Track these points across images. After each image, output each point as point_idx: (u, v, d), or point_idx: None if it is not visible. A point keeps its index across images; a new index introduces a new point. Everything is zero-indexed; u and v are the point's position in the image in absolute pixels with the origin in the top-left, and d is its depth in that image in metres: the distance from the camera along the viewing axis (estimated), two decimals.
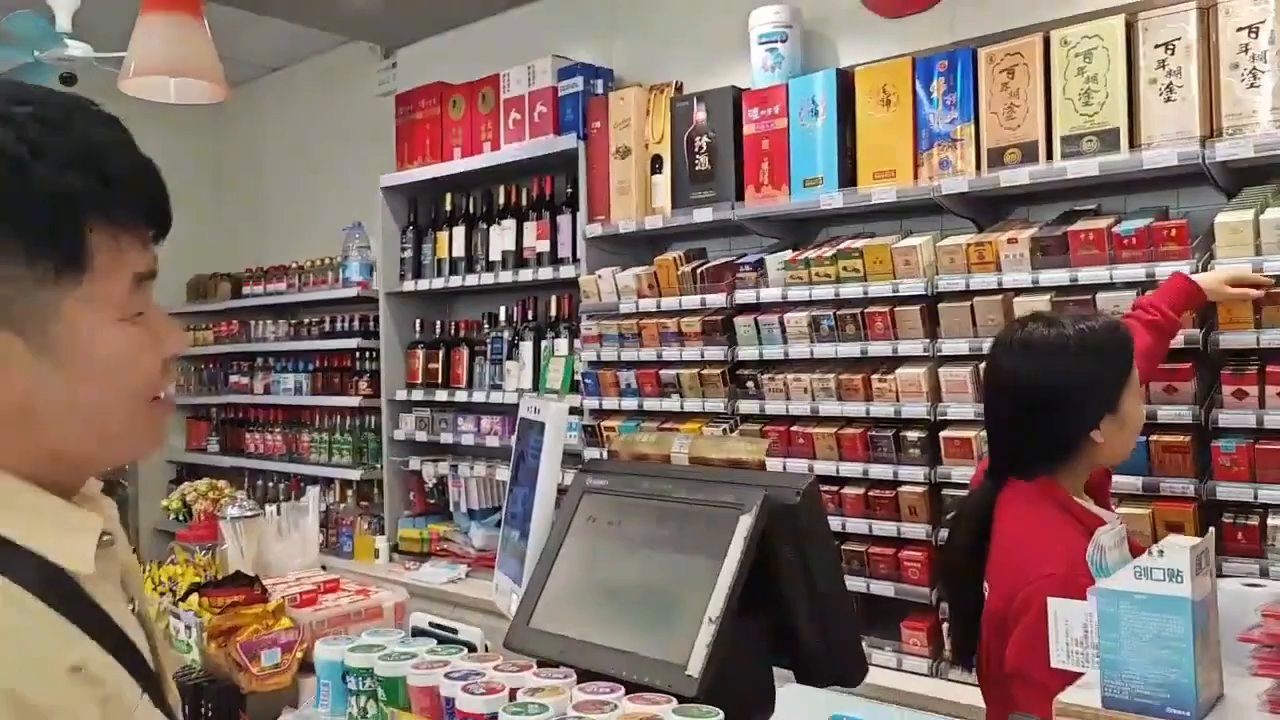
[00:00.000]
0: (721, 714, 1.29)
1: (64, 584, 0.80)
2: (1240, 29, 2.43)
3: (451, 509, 4.50)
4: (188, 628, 2.29)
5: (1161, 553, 0.89)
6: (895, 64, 2.98)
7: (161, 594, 2.56)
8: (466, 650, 1.58)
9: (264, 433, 5.55)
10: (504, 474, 4.17)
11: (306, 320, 5.32)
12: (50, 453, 0.82)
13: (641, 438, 1.81)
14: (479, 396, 4.22)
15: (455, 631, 1.64)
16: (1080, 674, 1.13)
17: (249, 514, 2.85)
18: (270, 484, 5.49)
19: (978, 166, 2.82)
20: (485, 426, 4.20)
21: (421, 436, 4.49)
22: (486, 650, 1.61)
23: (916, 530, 2.84)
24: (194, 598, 2.37)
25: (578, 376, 3.81)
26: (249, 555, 2.80)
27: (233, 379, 5.81)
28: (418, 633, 1.71)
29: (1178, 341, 2.41)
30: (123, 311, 0.82)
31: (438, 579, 4.12)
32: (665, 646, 1.46)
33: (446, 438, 4.39)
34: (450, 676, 1.44)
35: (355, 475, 4.82)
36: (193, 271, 6.21)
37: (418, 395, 4.50)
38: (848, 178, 3.07)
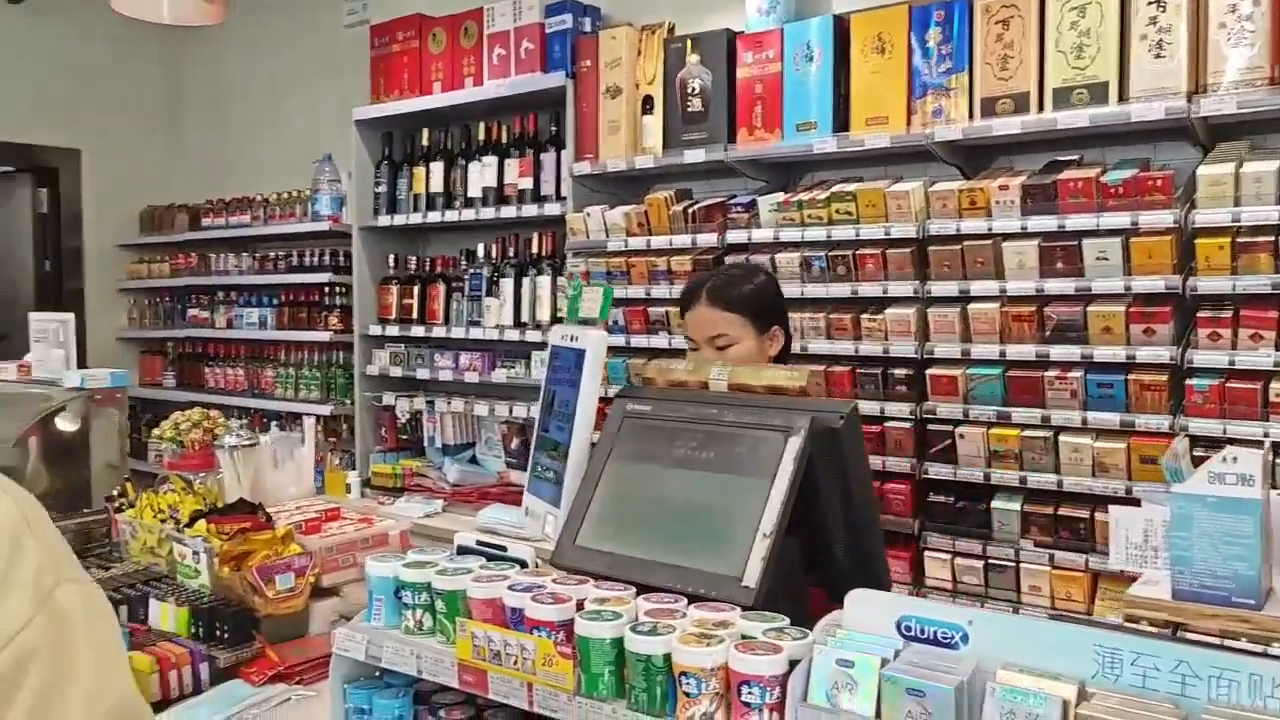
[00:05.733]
0: (786, 620, 1.37)
1: None
2: None
3: (425, 444, 4.53)
4: (195, 553, 2.31)
5: (1235, 459, 0.99)
6: (891, 12, 3.04)
7: (163, 520, 2.57)
8: (519, 566, 1.65)
9: (225, 367, 5.48)
10: (481, 409, 4.21)
11: (272, 254, 5.24)
12: None
13: (677, 365, 1.88)
14: (457, 332, 4.23)
15: (504, 549, 1.70)
16: None
17: (246, 443, 2.85)
18: (231, 419, 5.43)
19: (970, 115, 2.91)
20: (464, 362, 4.22)
21: (395, 372, 4.49)
22: (538, 567, 1.67)
23: (901, 464, 2.97)
24: (201, 524, 2.39)
25: (563, 313, 3.85)
26: (245, 484, 2.82)
27: (191, 312, 5.72)
28: (463, 550, 1.76)
29: (1157, 286, 2.56)
30: None
31: (414, 513, 4.15)
32: (718, 561, 1.54)
33: (422, 373, 4.40)
34: (513, 589, 1.50)
35: (325, 410, 4.81)
36: (146, 202, 6.06)
37: (391, 331, 4.49)
38: (841, 123, 3.14)
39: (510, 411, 4.07)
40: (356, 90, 4.65)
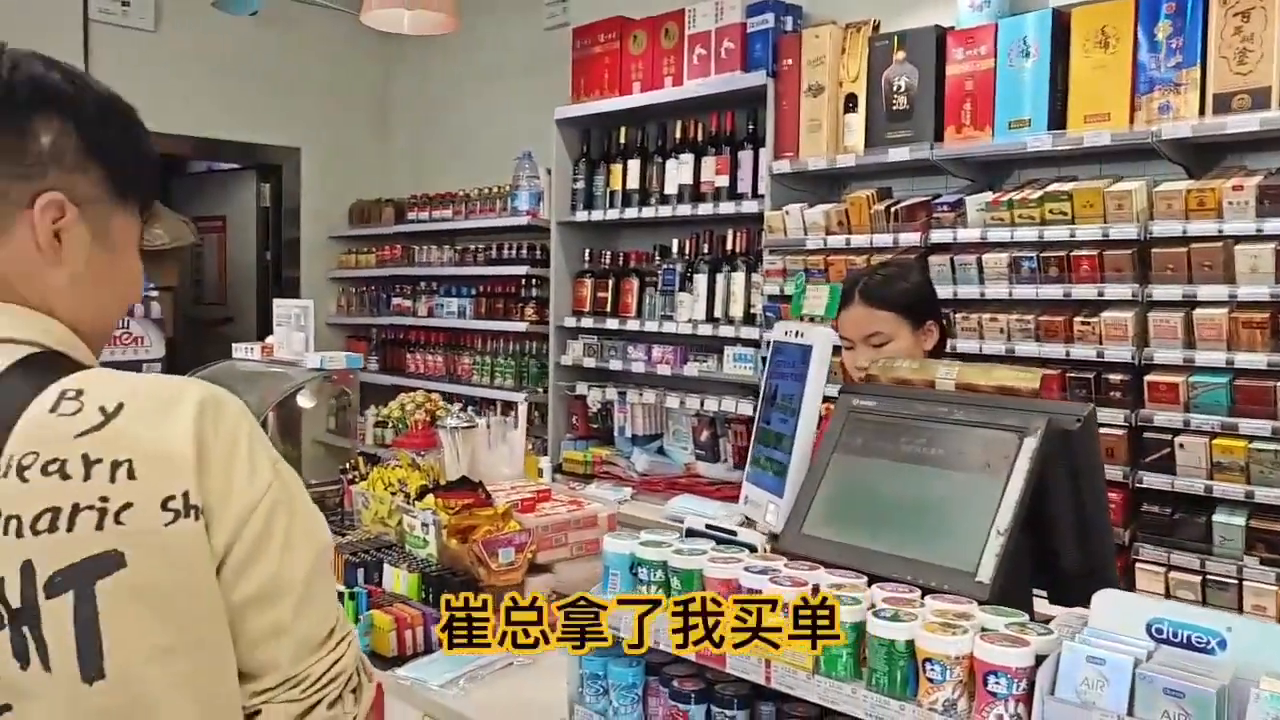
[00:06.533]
0: (1025, 615, 1.39)
1: None
2: None
3: (615, 434, 4.68)
4: (425, 525, 2.49)
5: None
6: (1116, 5, 2.95)
7: (393, 493, 2.78)
8: (748, 551, 1.72)
9: (425, 354, 5.81)
10: (672, 402, 4.32)
11: (472, 247, 5.52)
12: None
13: (901, 363, 1.91)
14: (650, 326, 4.35)
15: (734, 533, 1.77)
16: None
17: (466, 425, 3.04)
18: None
19: (1200, 112, 2.79)
20: (656, 355, 4.33)
21: (589, 363, 4.65)
22: (766, 552, 1.73)
23: (1113, 472, 2.88)
24: (429, 498, 2.57)
25: (755, 310, 3.92)
26: (464, 463, 3.00)
27: (394, 301, 6.08)
28: (692, 533, 1.85)
29: None
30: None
31: (607, 498, 4.30)
32: (950, 555, 1.56)
33: (614, 364, 4.54)
34: (749, 570, 1.57)
35: (519, 398, 5.02)
36: (356, 196, 6.49)
37: (586, 323, 4.65)
38: (1056, 120, 3.07)
39: (701, 404, 4.15)
40: (556, 89, 4.84)
